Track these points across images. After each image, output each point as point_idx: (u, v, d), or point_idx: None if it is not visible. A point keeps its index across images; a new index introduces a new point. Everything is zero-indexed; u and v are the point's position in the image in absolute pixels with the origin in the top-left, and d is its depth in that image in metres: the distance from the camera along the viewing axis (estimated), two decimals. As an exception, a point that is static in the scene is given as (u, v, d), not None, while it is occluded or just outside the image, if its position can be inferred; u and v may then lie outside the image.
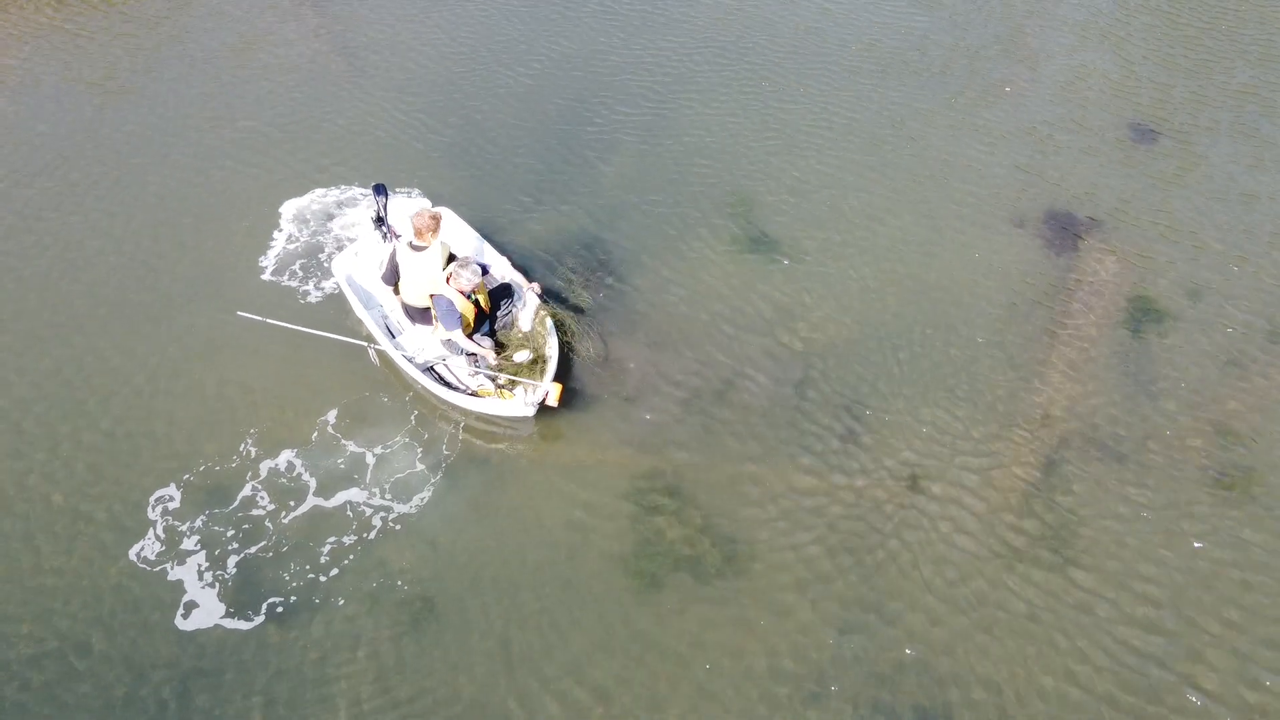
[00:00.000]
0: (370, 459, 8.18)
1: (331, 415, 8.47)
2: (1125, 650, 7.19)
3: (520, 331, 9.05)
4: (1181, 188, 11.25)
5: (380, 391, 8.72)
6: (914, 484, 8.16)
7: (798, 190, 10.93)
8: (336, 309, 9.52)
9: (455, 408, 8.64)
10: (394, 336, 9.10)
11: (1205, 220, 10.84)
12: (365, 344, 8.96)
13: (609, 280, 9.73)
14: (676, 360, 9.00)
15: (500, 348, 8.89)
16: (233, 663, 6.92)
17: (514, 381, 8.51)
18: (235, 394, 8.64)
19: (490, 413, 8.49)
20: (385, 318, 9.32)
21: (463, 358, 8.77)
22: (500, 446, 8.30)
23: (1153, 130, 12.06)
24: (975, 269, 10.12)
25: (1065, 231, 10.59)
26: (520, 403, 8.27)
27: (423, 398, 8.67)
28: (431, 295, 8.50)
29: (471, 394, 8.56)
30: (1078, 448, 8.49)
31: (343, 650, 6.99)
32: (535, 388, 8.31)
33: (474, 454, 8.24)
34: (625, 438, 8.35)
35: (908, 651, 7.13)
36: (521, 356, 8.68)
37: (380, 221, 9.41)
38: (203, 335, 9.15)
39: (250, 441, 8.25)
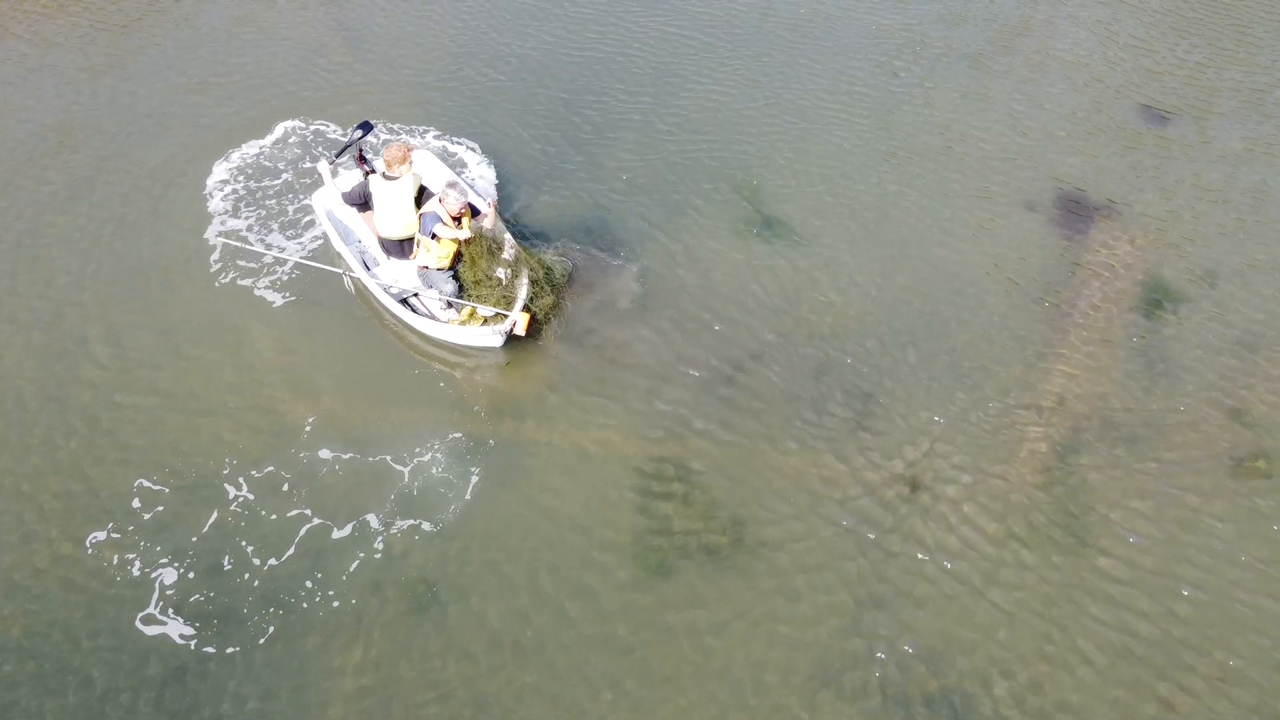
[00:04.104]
0: (372, 441, 7.79)
1: (334, 397, 8.10)
2: (1143, 634, 6.92)
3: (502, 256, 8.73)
4: (1195, 170, 10.94)
5: (384, 373, 8.37)
6: (926, 469, 7.83)
7: (807, 172, 10.65)
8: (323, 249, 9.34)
9: (426, 336, 8.52)
10: (369, 269, 8.97)
11: (1219, 202, 10.52)
12: (341, 272, 8.85)
13: (617, 261, 9.42)
14: (686, 343, 8.69)
15: (461, 290, 8.65)
16: (229, 650, 6.54)
17: (477, 315, 8.43)
18: (234, 376, 8.25)
19: (459, 341, 8.43)
20: (363, 252, 9.18)
21: (433, 290, 8.55)
22: (507, 429, 7.95)
23: (1165, 113, 11.78)
24: (987, 252, 9.79)
25: (1077, 214, 10.25)
26: (489, 331, 8.21)
27: (429, 379, 8.36)
28: (421, 215, 8.41)
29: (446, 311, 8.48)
30: (1093, 432, 8.18)
31: (345, 635, 6.64)
32: (504, 317, 8.23)
33: (481, 438, 7.89)
34: (634, 422, 8.03)
35: (920, 638, 6.81)
36: (501, 273, 8.41)
37: (364, 160, 9.20)
38: (201, 317, 8.73)
39: (250, 426, 7.85)
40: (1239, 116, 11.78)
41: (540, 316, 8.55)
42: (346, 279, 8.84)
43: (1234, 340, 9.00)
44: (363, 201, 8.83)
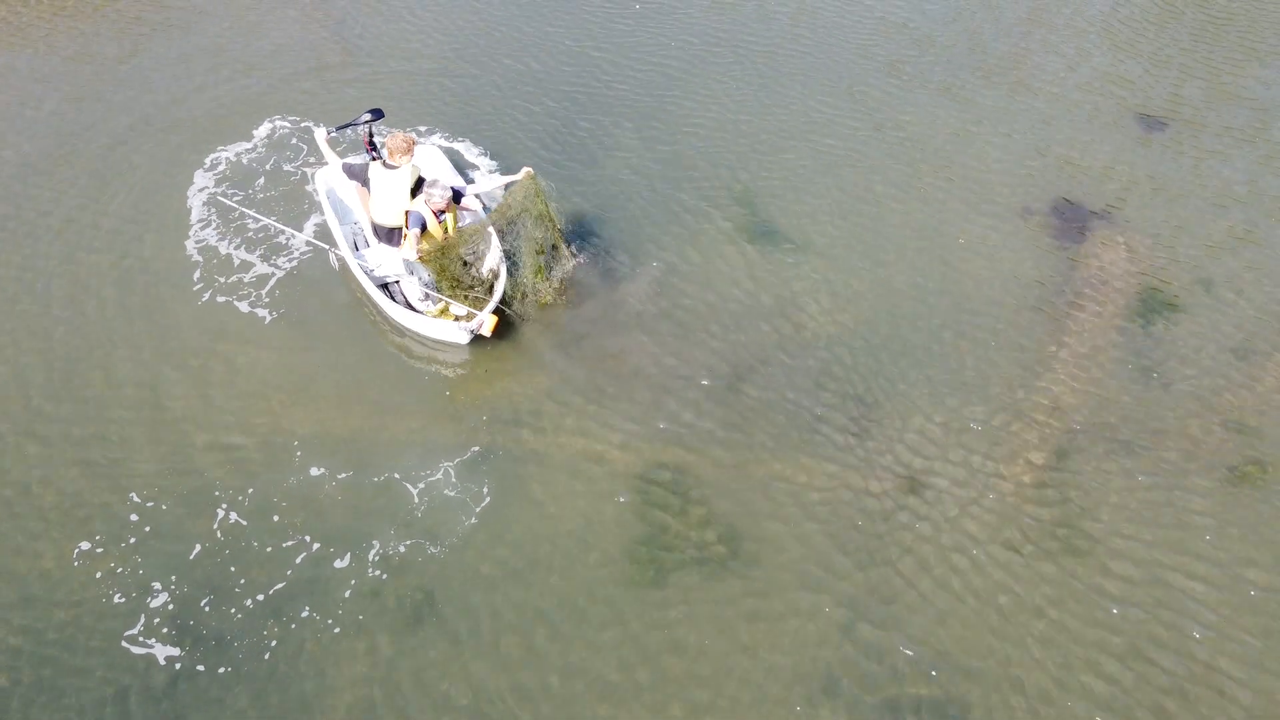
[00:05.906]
0: (367, 454, 7.80)
1: (326, 412, 8.12)
2: (1137, 642, 6.80)
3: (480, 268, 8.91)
4: (1191, 178, 10.80)
5: (377, 386, 8.39)
6: (923, 477, 7.76)
7: (802, 180, 10.67)
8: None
9: (398, 325, 8.68)
10: (357, 250, 9.22)
11: (1215, 210, 10.37)
12: (328, 247, 9.08)
13: (615, 268, 9.50)
14: (685, 351, 8.69)
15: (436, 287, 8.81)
16: (225, 658, 6.56)
17: (449, 311, 8.59)
18: (233, 380, 8.33)
19: (427, 334, 8.57)
20: (356, 234, 9.43)
21: (414, 279, 8.76)
22: (503, 440, 7.97)
23: (1161, 121, 11.67)
24: (982, 259, 9.72)
25: (1073, 222, 10.12)
26: (457, 328, 8.36)
27: (422, 389, 8.40)
28: (407, 212, 8.60)
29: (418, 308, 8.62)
30: (1087, 440, 8.07)
31: (342, 644, 6.62)
32: (472, 316, 8.40)
33: (478, 448, 7.88)
34: (632, 430, 8.01)
35: (918, 647, 6.72)
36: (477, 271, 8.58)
37: (372, 146, 9.50)
38: (187, 336, 8.76)
39: (242, 441, 7.90)
40: (1236, 124, 11.64)
41: (514, 316, 8.64)
42: (333, 255, 9.08)
43: (1229, 347, 8.79)
44: (363, 179, 8.97)
